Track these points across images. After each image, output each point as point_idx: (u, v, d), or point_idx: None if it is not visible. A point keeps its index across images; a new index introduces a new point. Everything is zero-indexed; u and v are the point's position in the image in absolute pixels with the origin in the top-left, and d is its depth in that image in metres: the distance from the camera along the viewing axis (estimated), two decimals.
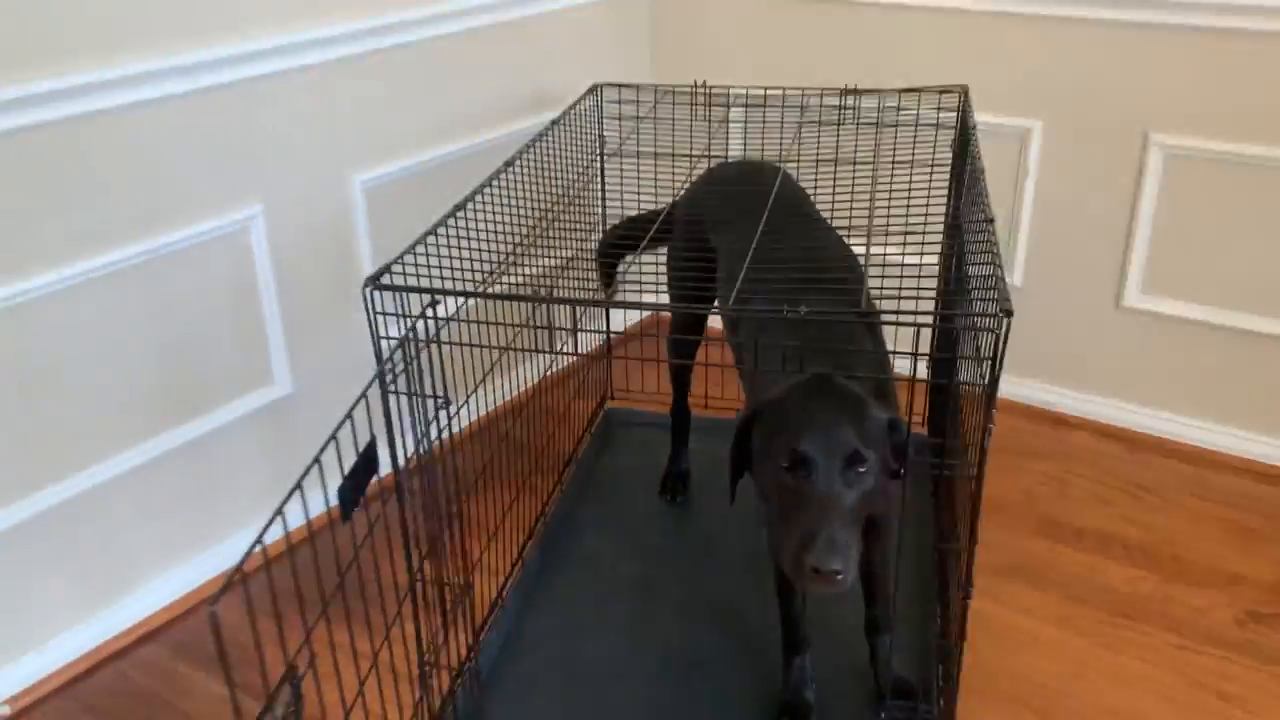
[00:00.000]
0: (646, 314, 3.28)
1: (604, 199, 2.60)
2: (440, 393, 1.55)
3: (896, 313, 1.44)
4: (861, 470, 1.45)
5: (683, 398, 2.50)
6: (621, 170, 2.55)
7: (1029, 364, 2.85)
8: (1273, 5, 2.32)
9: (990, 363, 1.33)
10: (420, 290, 1.47)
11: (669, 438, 2.59)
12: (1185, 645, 2.10)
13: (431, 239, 1.65)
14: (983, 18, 2.66)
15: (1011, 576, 2.28)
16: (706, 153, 2.43)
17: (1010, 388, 2.88)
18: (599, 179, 2.59)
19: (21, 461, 1.94)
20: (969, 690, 1.89)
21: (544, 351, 1.61)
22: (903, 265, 1.60)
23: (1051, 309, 2.80)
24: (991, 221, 1.64)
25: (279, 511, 1.19)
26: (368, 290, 1.49)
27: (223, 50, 2.05)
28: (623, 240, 2.38)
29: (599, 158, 2.58)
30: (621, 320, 3.17)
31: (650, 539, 2.42)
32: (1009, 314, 1.31)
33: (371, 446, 1.35)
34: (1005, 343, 1.33)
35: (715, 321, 2.48)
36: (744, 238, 1.82)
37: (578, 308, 2.26)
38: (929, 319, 1.52)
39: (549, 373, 2.36)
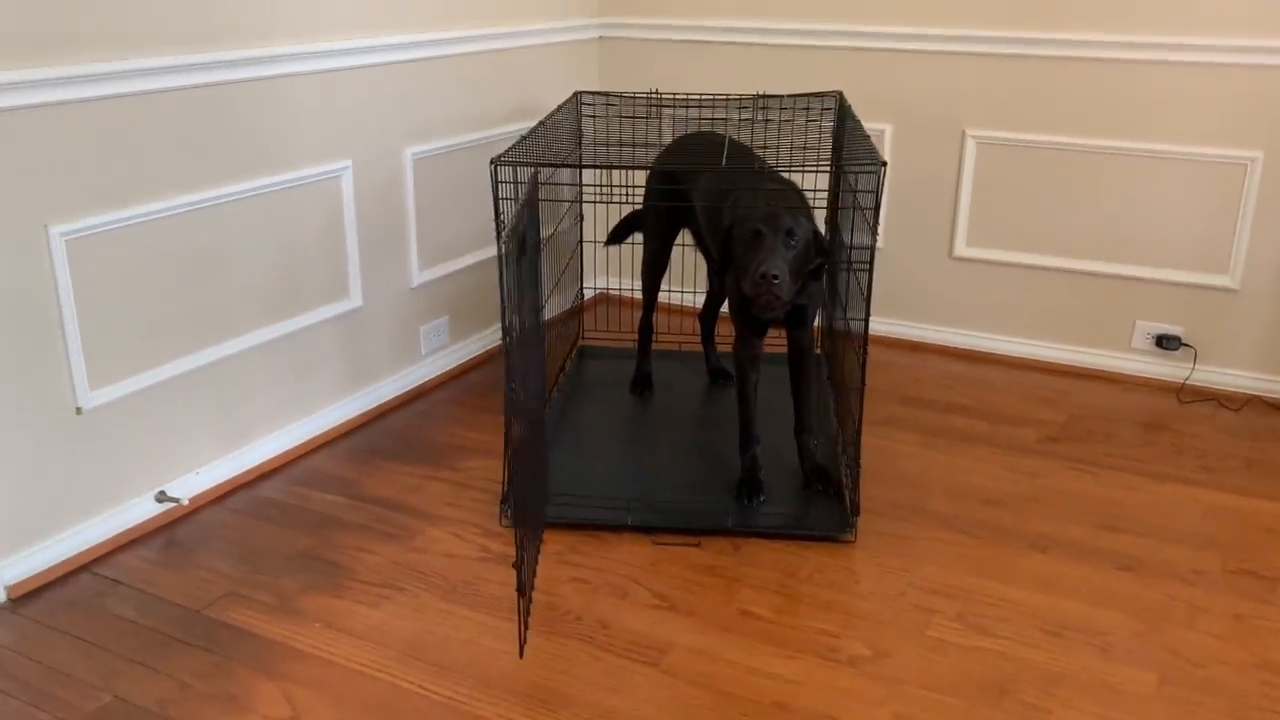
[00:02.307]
0: (601, 288, 4.18)
1: (580, 176, 3.50)
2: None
3: (815, 169, 2.43)
4: (793, 243, 2.41)
5: (650, 315, 3.38)
6: (594, 154, 3.47)
7: (887, 306, 3.84)
8: (1044, 37, 3.44)
9: (874, 194, 2.29)
10: (526, 163, 2.35)
11: (629, 365, 3.47)
12: (1005, 454, 3.07)
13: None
14: (845, 51, 3.72)
15: (885, 425, 3.22)
16: (659, 141, 3.39)
17: (874, 326, 3.86)
18: (578, 156, 3.49)
19: (192, 326, 2.68)
20: (865, 479, 2.81)
21: (605, 202, 2.49)
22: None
23: (903, 262, 3.81)
24: (869, 136, 2.64)
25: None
26: (492, 166, 2.35)
27: (334, 45, 2.90)
28: (629, 223, 3.36)
29: (578, 146, 3.49)
30: (594, 284, 4.05)
31: (629, 412, 3.29)
32: (884, 164, 2.28)
33: (534, 183, 2.15)
34: (883, 183, 2.30)
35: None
36: (711, 170, 2.77)
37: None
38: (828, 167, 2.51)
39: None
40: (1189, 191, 3.39)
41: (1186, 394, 3.46)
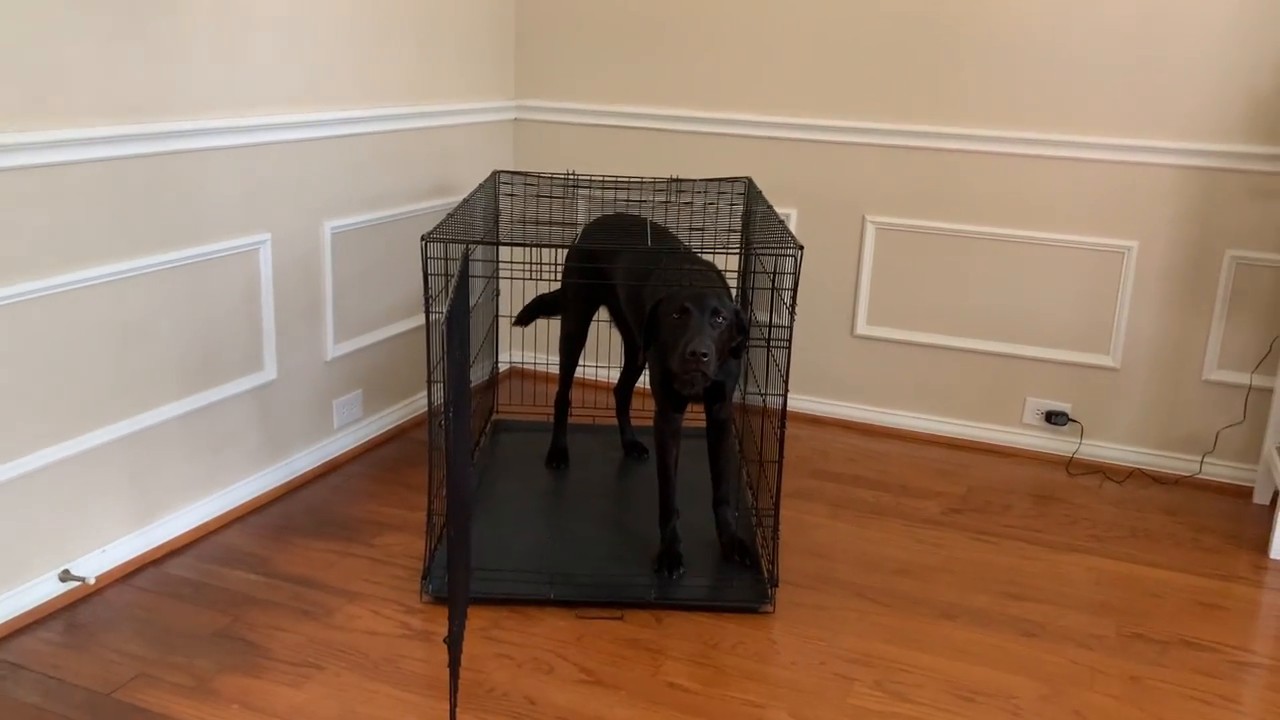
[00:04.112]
0: (515, 361, 4.21)
1: (497, 253, 3.55)
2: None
3: (724, 250, 2.52)
4: (719, 320, 2.51)
5: (566, 389, 3.42)
6: (511, 232, 3.53)
7: (792, 381, 3.92)
8: (939, 131, 3.66)
9: (793, 276, 2.40)
10: (457, 240, 2.39)
11: (544, 438, 3.50)
12: (910, 525, 3.19)
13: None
14: (753, 140, 3.89)
15: (795, 497, 3.31)
16: (575, 222, 3.47)
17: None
18: (495, 234, 3.55)
19: (104, 399, 2.62)
20: (781, 550, 2.88)
21: (530, 279, 2.54)
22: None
23: (808, 340, 3.95)
24: (783, 220, 2.76)
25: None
26: (424, 242, 2.39)
27: (256, 120, 2.92)
28: (535, 307, 3.43)
29: (495, 223, 3.55)
30: (507, 358, 4.08)
31: (546, 485, 3.31)
32: (801, 247, 2.40)
33: (465, 260, 2.19)
34: (800, 266, 2.41)
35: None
36: (633, 250, 2.86)
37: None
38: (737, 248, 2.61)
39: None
40: (1073, 277, 3.62)
41: (1075, 467, 3.65)
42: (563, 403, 3.43)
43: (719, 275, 2.79)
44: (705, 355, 2.46)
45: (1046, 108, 3.53)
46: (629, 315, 3.01)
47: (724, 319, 2.55)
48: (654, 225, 3.06)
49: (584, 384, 3.87)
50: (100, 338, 2.59)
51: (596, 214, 3.45)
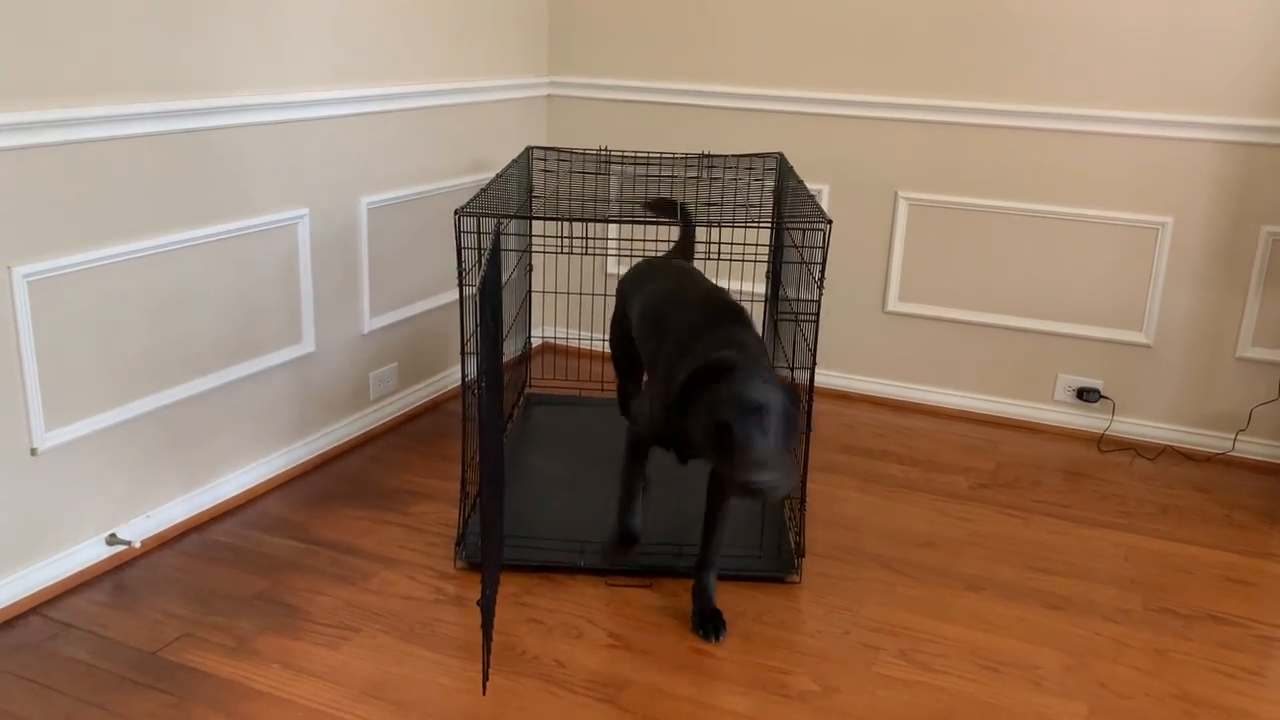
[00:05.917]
0: (546, 337, 4.26)
1: (530, 227, 3.60)
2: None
3: (756, 224, 2.53)
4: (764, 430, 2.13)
5: (625, 396, 3.32)
6: (544, 206, 3.57)
7: (822, 357, 3.98)
8: (972, 106, 3.65)
9: (821, 250, 2.42)
10: (490, 214, 2.43)
11: (575, 411, 3.54)
12: (939, 499, 3.21)
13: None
14: (785, 115, 3.90)
15: (824, 471, 3.34)
16: (607, 198, 3.50)
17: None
18: (528, 209, 3.59)
19: (148, 369, 2.70)
20: (808, 522, 2.91)
21: (562, 252, 2.58)
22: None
23: (838, 316, 3.96)
24: (813, 195, 2.78)
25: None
26: (457, 216, 2.43)
27: (295, 97, 2.97)
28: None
29: (528, 198, 3.59)
30: (540, 333, 4.13)
31: (577, 456, 3.35)
32: (830, 222, 2.42)
33: (497, 234, 2.22)
34: (829, 240, 2.43)
35: None
36: (658, 288, 2.78)
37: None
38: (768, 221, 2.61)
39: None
40: (1106, 253, 3.60)
41: (1106, 444, 3.65)
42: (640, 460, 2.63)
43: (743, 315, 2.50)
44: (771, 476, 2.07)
45: (1081, 82, 3.51)
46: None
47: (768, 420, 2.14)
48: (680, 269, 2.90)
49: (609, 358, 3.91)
50: (145, 309, 2.66)
51: (629, 189, 3.48)
